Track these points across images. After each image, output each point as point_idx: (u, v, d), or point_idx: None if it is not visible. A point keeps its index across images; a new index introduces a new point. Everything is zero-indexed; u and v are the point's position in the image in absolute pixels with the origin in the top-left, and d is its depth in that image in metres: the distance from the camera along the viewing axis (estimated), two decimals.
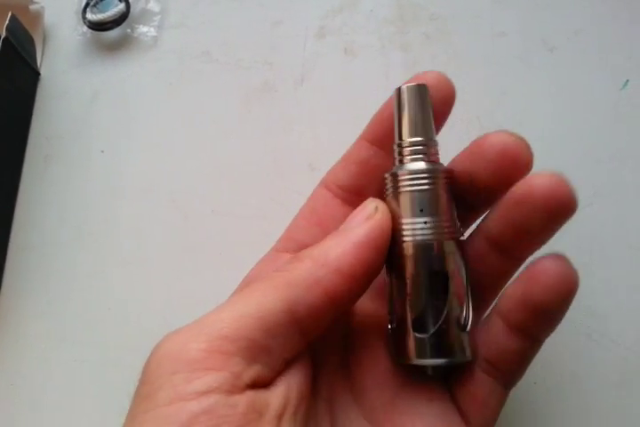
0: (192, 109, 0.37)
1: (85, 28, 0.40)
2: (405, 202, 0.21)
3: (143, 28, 0.40)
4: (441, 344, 0.20)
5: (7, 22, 0.36)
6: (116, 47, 0.40)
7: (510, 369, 0.21)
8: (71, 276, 0.35)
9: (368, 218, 0.21)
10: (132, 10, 0.39)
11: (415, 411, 0.21)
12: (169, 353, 0.18)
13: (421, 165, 0.21)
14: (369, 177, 0.24)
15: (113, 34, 0.40)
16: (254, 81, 0.37)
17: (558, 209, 0.19)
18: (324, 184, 0.25)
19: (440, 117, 0.23)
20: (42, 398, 0.33)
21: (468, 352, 0.21)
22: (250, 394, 0.18)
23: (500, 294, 0.22)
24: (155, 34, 0.39)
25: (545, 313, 0.20)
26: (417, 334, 0.21)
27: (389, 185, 0.22)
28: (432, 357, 0.20)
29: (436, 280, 0.20)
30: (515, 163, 0.20)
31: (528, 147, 0.20)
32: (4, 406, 0.33)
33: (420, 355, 0.20)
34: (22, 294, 0.35)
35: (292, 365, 0.20)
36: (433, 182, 0.21)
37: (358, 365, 0.22)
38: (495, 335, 0.21)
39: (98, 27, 0.39)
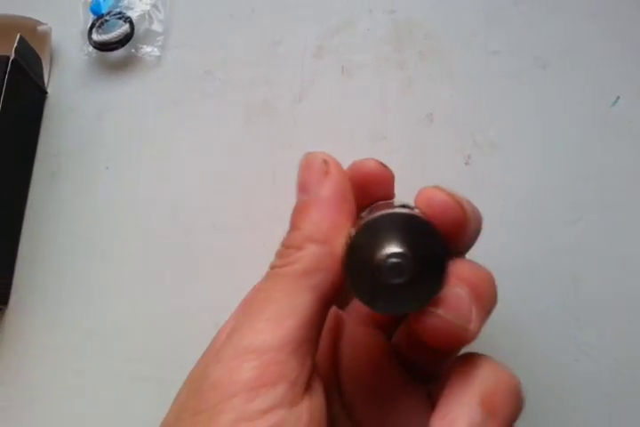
0: (194, 127, 0.38)
1: (91, 49, 0.41)
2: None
3: (147, 48, 0.41)
4: None
5: (16, 44, 0.37)
6: (120, 67, 0.41)
7: None
8: (77, 289, 0.36)
9: (325, 174, 0.20)
10: (136, 30, 0.40)
11: None
12: (221, 378, 0.17)
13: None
14: None
15: (118, 54, 0.41)
16: (254, 99, 0.38)
17: None
18: None
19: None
20: (49, 409, 0.34)
21: None
22: (307, 401, 0.17)
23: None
24: (158, 54, 0.41)
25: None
26: None
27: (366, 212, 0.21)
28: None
29: None
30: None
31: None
32: (10, 415, 0.34)
33: None
34: (29, 308, 0.36)
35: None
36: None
37: (352, 397, 0.22)
38: None
39: (103, 47, 0.40)
